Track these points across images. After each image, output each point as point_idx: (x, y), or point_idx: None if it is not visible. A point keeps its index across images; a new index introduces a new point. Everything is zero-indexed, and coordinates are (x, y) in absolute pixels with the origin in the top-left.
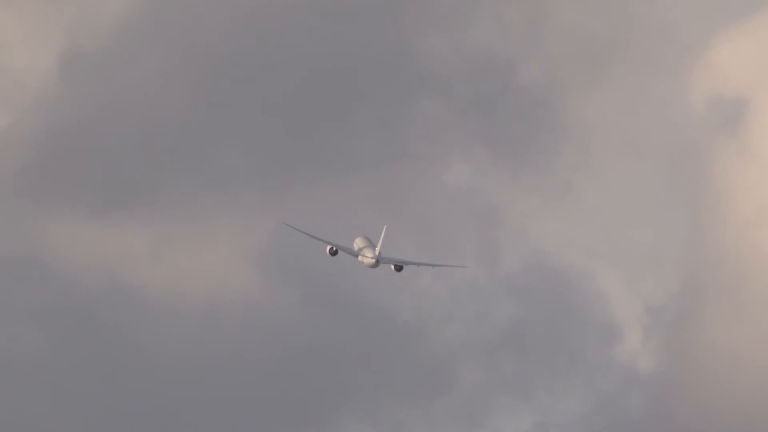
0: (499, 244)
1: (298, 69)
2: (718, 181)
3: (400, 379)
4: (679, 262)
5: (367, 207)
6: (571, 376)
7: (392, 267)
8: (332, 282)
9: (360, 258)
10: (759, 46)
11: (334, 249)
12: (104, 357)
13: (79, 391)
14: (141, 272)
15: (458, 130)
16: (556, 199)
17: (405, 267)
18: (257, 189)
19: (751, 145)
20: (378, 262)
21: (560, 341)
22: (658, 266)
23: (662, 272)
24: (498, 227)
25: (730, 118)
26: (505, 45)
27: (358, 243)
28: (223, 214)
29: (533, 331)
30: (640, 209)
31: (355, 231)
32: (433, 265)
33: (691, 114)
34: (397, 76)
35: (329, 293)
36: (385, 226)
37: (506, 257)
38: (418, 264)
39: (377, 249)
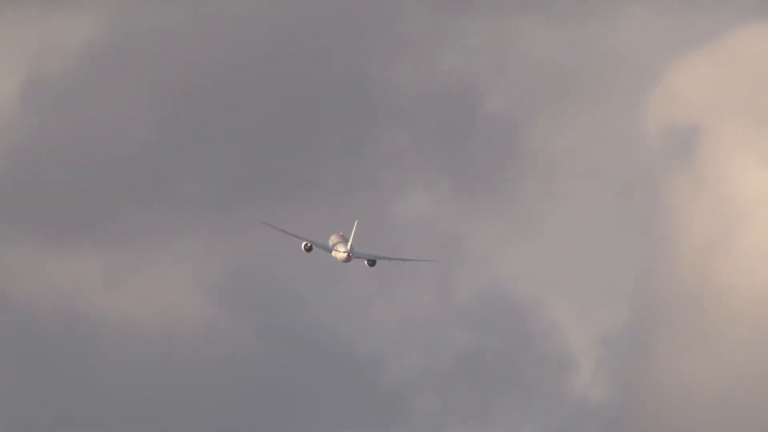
0: (456, 272)
1: (261, 96)
2: (673, 210)
3: (354, 409)
4: (634, 291)
5: (329, 234)
6: (525, 406)
7: (366, 262)
8: (289, 310)
9: (333, 253)
10: (713, 75)
11: (309, 245)
12: (57, 385)
13: (31, 420)
14: (96, 300)
15: (421, 159)
16: (514, 228)
17: (378, 262)
18: (216, 216)
19: (705, 174)
20: (350, 256)
21: (514, 371)
22: (613, 296)
23: (616, 302)
24: (456, 256)
25: (685, 148)
26: (469, 74)
27: (332, 239)
28: (181, 241)
29: (487, 360)
30: (596, 239)
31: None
32: (404, 260)
33: (646, 143)
34: (362, 104)
35: (285, 321)
36: (356, 222)
37: (462, 286)
38: (390, 258)
39: (349, 244)
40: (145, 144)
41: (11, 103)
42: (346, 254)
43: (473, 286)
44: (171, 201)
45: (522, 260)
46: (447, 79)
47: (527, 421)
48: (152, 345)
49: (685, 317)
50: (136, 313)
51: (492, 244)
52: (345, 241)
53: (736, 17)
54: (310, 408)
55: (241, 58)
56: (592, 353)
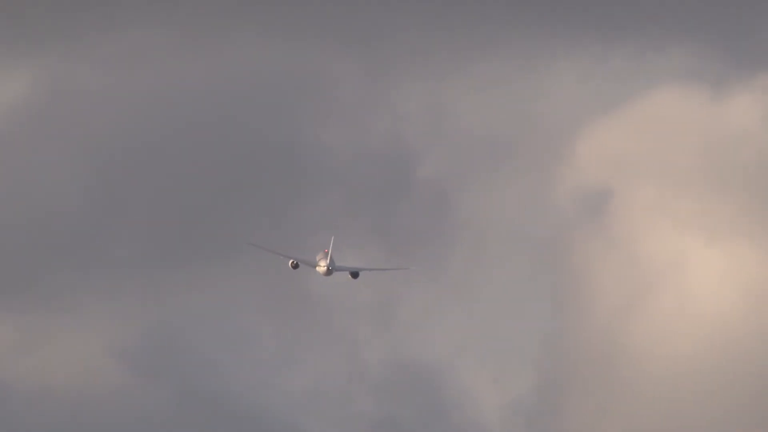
0: (366, 338)
1: (192, 159)
2: (587, 273)
3: None
4: (547, 355)
5: (257, 292)
6: None
7: (349, 275)
8: (205, 376)
9: (316, 268)
10: (626, 138)
11: (296, 263)
12: None
13: None
14: (10, 363)
15: (351, 222)
16: (431, 292)
17: (360, 274)
18: (140, 278)
19: (618, 237)
20: (330, 270)
21: None
22: (524, 360)
23: (527, 366)
24: (370, 320)
25: (598, 211)
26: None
27: (318, 256)
28: (101, 305)
29: (398, 426)
30: (509, 303)
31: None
32: (384, 269)
33: (560, 207)
34: (294, 167)
35: (203, 386)
36: (333, 237)
37: (373, 353)
38: (370, 269)
39: (328, 259)
40: (66, 207)
41: None
42: (325, 268)
43: (385, 353)
44: (91, 264)
45: (437, 325)
46: (379, 143)
47: None
48: (67, 410)
49: (597, 379)
50: (51, 378)
51: (408, 309)
52: (327, 257)
53: (648, 81)
54: None
55: (171, 120)
56: (504, 417)
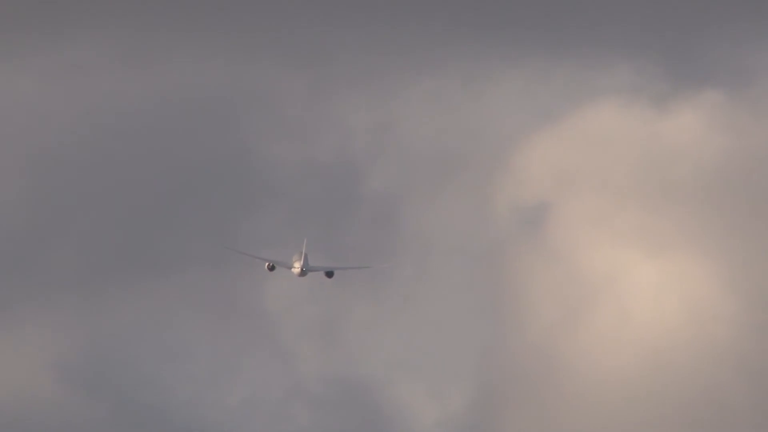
0: (302, 351)
1: (135, 171)
2: (524, 288)
3: None
4: (484, 369)
5: (195, 311)
6: None
7: (324, 274)
8: (141, 393)
9: (291, 269)
10: (563, 151)
11: (272, 265)
12: None
13: None
14: None
15: (296, 236)
16: (367, 306)
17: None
18: (77, 294)
19: (555, 252)
20: (304, 271)
21: None
22: (460, 374)
23: (464, 380)
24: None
25: (535, 225)
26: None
27: (294, 258)
28: (36, 318)
29: None
30: (445, 318)
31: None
32: (359, 267)
33: (497, 221)
34: (238, 180)
35: (136, 400)
36: (305, 239)
37: (309, 366)
38: (345, 268)
39: (302, 260)
40: (1, 219)
41: None
42: (300, 269)
43: (320, 367)
44: (27, 278)
45: (375, 338)
46: (325, 158)
47: None
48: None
49: (535, 394)
50: None
51: (347, 322)
52: (302, 258)
53: (590, 97)
54: None
55: (115, 135)
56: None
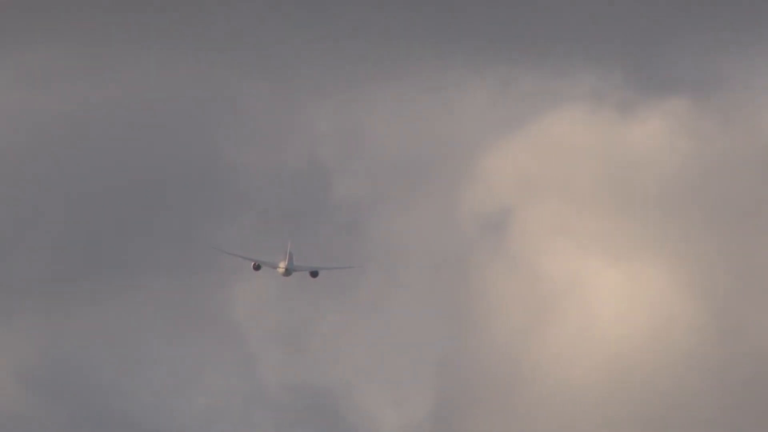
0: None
1: (100, 178)
2: (487, 293)
3: None
4: (446, 377)
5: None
6: None
7: (309, 274)
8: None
9: (276, 269)
10: (526, 158)
11: (258, 264)
12: None
13: None
14: None
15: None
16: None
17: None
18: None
19: (519, 258)
20: (288, 270)
21: None
22: (423, 381)
23: (426, 387)
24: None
25: (498, 231)
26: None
27: (280, 257)
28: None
29: None
30: (408, 323)
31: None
32: (344, 267)
33: (460, 227)
34: (207, 187)
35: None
36: (289, 242)
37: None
38: (330, 268)
39: (286, 260)
40: None
41: None
42: (284, 269)
43: (283, 374)
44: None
45: (335, 345)
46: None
47: None
48: None
49: (497, 401)
50: None
51: (311, 329)
52: (287, 258)
53: (554, 103)
54: None
55: (79, 141)
56: None
